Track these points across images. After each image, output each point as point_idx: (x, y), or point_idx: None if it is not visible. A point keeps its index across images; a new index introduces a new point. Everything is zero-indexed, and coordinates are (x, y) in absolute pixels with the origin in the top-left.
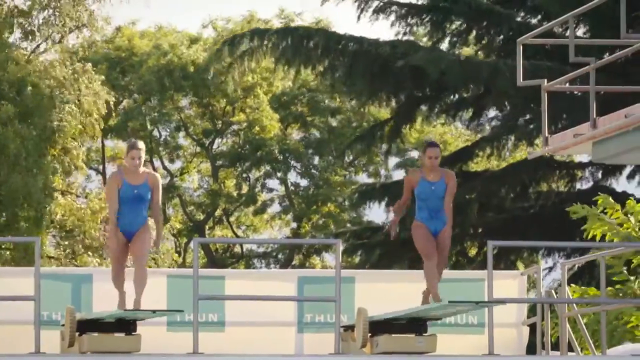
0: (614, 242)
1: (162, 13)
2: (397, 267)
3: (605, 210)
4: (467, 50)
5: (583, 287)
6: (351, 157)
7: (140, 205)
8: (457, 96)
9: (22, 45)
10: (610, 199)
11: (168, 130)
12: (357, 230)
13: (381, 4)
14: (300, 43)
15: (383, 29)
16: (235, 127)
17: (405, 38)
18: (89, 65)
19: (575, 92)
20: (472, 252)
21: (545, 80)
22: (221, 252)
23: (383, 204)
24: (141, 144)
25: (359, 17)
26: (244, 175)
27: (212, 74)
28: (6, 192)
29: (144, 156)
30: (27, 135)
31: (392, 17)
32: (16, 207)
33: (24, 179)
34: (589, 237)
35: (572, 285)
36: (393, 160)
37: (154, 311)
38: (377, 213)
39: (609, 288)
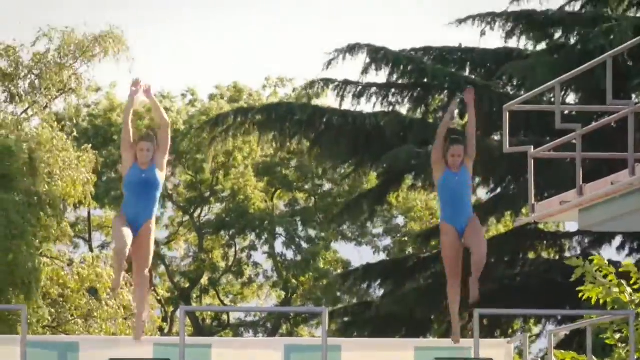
0: (602, 311)
1: (144, 76)
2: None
3: (601, 269)
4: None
5: (571, 353)
6: (340, 227)
7: (148, 191)
8: None
9: (8, 110)
10: (606, 260)
11: None
12: (349, 306)
13: (360, 88)
14: (285, 118)
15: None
16: (220, 195)
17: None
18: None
19: (566, 159)
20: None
21: (532, 147)
22: (208, 321)
23: (376, 283)
24: (152, 136)
25: (340, 104)
26: (230, 243)
27: (187, 145)
28: None
29: (153, 149)
30: (10, 201)
31: (374, 99)
32: (6, 275)
33: (11, 245)
34: (585, 298)
35: (561, 352)
36: (379, 229)
37: None
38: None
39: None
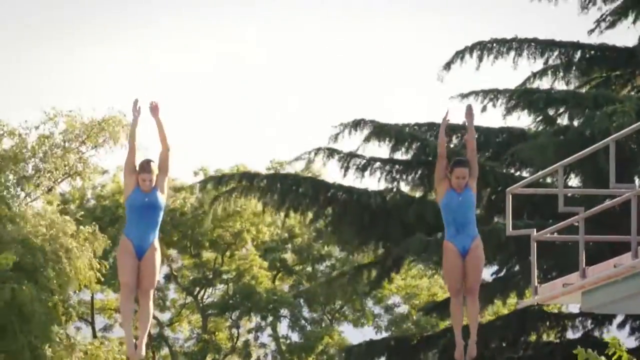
0: None
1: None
2: None
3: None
4: None
5: None
6: (337, 305)
7: (151, 214)
8: None
9: (20, 195)
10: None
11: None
12: None
13: (364, 161)
14: (289, 189)
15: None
16: (224, 276)
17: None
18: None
19: (568, 242)
20: None
21: (535, 230)
22: None
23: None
24: (153, 165)
25: (344, 175)
26: (235, 324)
27: (190, 208)
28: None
29: (155, 177)
30: (31, 294)
31: (377, 173)
32: None
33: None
34: None
35: None
36: (376, 310)
37: None
38: None
39: None
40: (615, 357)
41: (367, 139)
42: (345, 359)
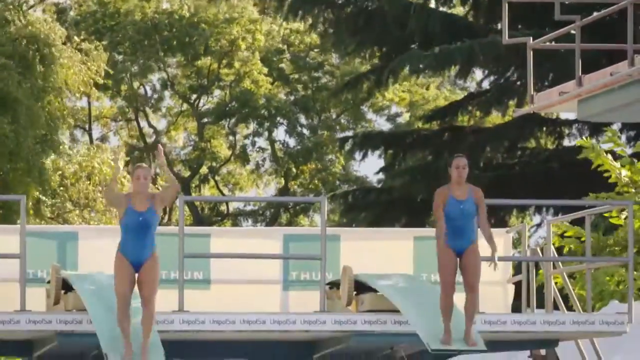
0: (599, 202)
1: None
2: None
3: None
4: (458, 10)
5: (576, 227)
6: (335, 115)
7: (145, 233)
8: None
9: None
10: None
11: (152, 86)
12: (349, 191)
13: None
14: None
15: None
16: (222, 83)
17: None
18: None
19: (561, 50)
20: None
21: (531, 38)
22: (207, 210)
23: (377, 152)
24: (145, 166)
25: None
26: (231, 132)
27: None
28: None
29: (150, 178)
30: (24, 84)
31: None
32: (6, 160)
33: (15, 130)
34: (597, 165)
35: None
36: (377, 118)
37: None
38: (370, 166)
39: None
40: (613, 146)
41: None
42: (340, 148)
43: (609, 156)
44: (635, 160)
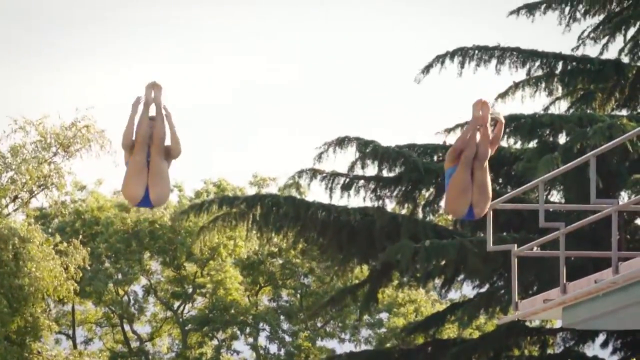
0: None
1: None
2: None
3: None
4: (441, 219)
5: None
6: (321, 323)
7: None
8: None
9: None
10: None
11: (134, 294)
12: None
13: (347, 180)
14: (269, 210)
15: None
16: (202, 290)
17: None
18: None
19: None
20: None
21: (515, 245)
22: None
23: None
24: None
25: (330, 196)
26: (210, 335)
27: (178, 230)
28: None
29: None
30: None
31: (362, 192)
32: None
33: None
34: None
35: None
36: (365, 327)
37: None
38: None
39: None
40: None
41: (353, 165)
42: None
43: None
44: None
